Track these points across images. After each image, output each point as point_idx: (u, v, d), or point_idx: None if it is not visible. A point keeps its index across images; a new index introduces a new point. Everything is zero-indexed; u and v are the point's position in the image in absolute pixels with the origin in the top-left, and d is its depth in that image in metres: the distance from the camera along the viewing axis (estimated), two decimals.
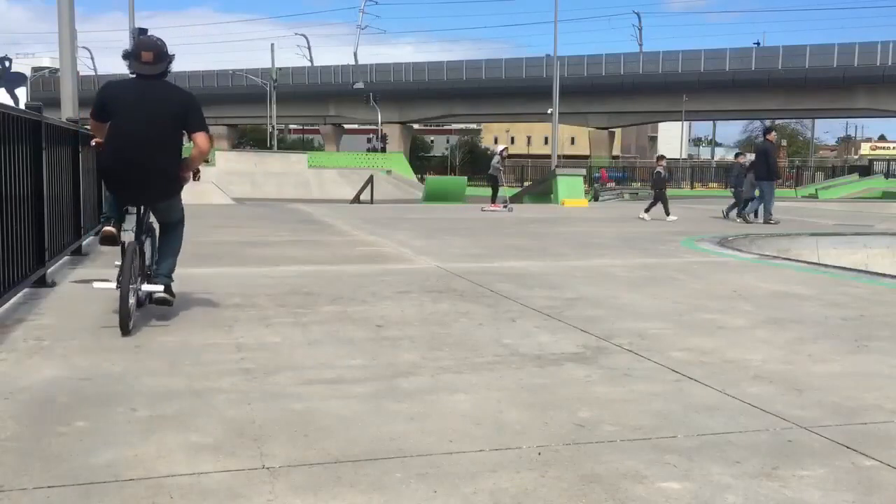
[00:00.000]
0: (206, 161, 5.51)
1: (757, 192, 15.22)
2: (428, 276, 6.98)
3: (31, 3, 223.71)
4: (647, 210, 15.39)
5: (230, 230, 11.43)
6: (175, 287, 5.15)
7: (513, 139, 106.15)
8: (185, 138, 5.16)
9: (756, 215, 15.36)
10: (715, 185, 63.35)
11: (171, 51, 5.04)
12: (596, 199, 33.37)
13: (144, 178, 4.90)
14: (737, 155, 19.79)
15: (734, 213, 15.94)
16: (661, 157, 17.70)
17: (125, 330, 4.44)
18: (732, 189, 16.72)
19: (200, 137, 5.09)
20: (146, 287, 4.87)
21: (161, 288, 4.88)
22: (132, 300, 4.63)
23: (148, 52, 4.87)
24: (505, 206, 17.96)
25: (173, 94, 5.05)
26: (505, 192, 20.29)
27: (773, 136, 15.95)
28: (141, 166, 4.84)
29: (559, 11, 53.59)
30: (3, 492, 2.37)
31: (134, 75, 4.94)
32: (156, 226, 5.28)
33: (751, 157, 17.96)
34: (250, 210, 17.33)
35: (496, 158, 20.18)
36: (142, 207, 5.05)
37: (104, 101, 4.88)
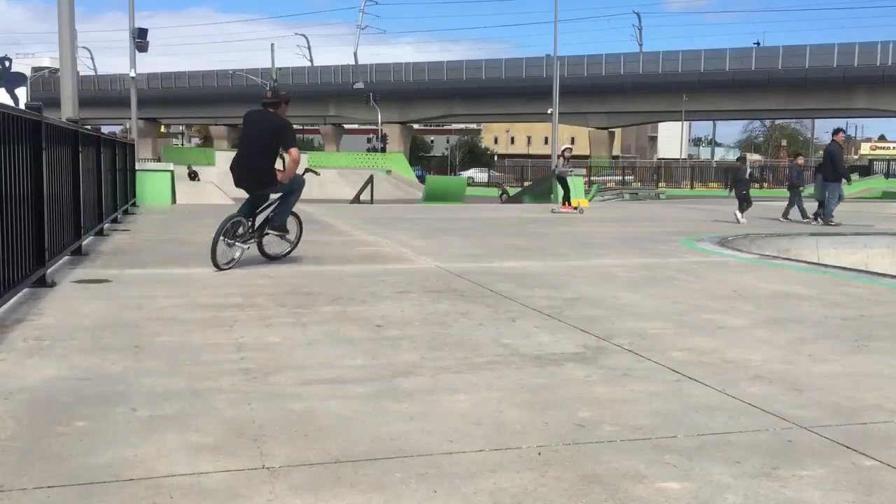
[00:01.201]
0: (314, 170, 8.72)
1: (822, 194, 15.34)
2: (428, 276, 6.98)
3: (31, 3, 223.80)
4: (739, 210, 15.37)
5: None
6: (175, 286, 5.58)
7: (513, 139, 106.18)
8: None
9: (812, 215, 15.54)
10: (715, 184, 63.33)
11: (284, 92, 7.79)
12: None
13: (248, 174, 7.44)
14: (796, 155, 19.81)
15: (792, 213, 16.02)
16: (744, 158, 17.69)
17: (216, 266, 7.00)
18: (790, 189, 16.75)
19: (293, 151, 7.41)
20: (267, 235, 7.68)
21: (275, 231, 7.66)
22: (221, 247, 7.14)
23: (268, 91, 7.84)
24: (576, 209, 17.73)
25: (274, 120, 7.45)
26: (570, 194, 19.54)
27: (840, 136, 15.58)
28: (247, 167, 7.41)
29: (559, 11, 53.62)
30: (3, 492, 2.37)
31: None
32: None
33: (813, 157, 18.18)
34: None
35: (560, 161, 19.52)
36: (254, 195, 7.58)
37: (243, 120, 7.75)
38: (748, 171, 16.68)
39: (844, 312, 5.55)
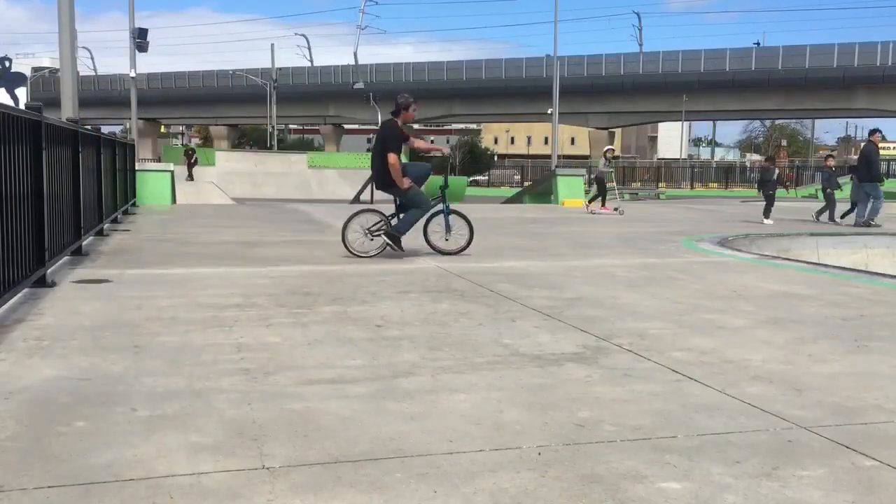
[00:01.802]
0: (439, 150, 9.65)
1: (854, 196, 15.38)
2: (428, 276, 6.98)
3: (31, 3, 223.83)
4: (765, 214, 15.40)
5: (230, 230, 11.44)
6: (175, 286, 5.61)
7: (513, 139, 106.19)
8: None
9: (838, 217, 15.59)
10: (715, 184, 63.35)
11: (402, 100, 8.26)
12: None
13: (373, 175, 8.42)
14: (827, 157, 19.78)
15: (825, 216, 16.02)
16: (771, 159, 17.68)
17: (347, 249, 8.12)
18: (824, 192, 16.75)
19: (388, 156, 8.03)
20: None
21: (389, 237, 8.17)
22: (350, 236, 8.17)
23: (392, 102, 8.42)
24: (616, 209, 17.67)
25: (385, 128, 8.23)
26: (615, 194, 19.30)
27: (876, 137, 15.29)
28: (373, 169, 8.37)
29: (559, 11, 53.60)
30: (3, 492, 2.37)
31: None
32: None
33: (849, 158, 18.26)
34: (250, 210, 17.33)
35: (602, 161, 19.31)
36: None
37: None
38: (776, 171, 16.66)
39: (844, 312, 5.55)
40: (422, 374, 3.75)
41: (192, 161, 34.68)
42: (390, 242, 8.13)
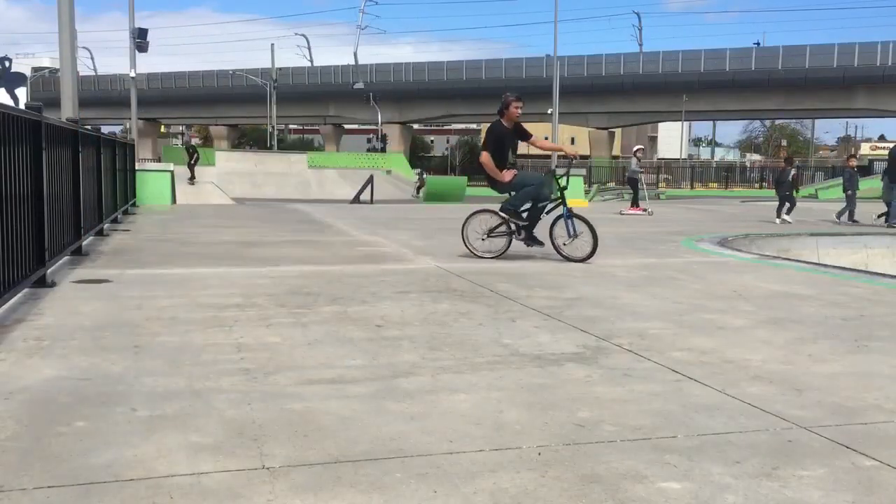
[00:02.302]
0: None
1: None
2: (428, 276, 6.98)
3: (31, 3, 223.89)
4: (787, 213, 15.46)
5: (230, 230, 11.44)
6: (175, 287, 5.61)
7: None
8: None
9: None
10: (714, 184, 63.33)
11: (504, 99, 8.19)
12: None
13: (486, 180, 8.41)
14: (848, 157, 19.83)
15: (845, 216, 16.06)
16: (789, 160, 17.75)
17: (468, 248, 8.35)
18: (845, 192, 16.82)
19: (481, 156, 8.15)
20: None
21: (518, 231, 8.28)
22: (470, 236, 8.37)
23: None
24: (645, 211, 17.67)
25: (488, 127, 8.45)
26: (645, 194, 19.10)
27: None
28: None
29: (559, 11, 53.61)
30: (3, 492, 2.37)
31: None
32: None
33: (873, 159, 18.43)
34: (250, 210, 17.33)
35: (634, 161, 19.25)
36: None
37: None
38: (792, 172, 16.70)
39: (844, 312, 5.55)
40: (422, 374, 3.75)
41: (194, 160, 33.07)
42: (529, 241, 8.16)
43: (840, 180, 18.57)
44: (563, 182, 8.28)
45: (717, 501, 2.40)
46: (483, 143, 8.23)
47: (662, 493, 2.45)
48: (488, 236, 8.25)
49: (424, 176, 42.25)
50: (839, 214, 16.29)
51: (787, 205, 15.92)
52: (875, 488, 2.52)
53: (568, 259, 8.00)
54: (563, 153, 8.61)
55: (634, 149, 19.47)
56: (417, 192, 42.24)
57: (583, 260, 7.94)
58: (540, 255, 8.78)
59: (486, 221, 8.35)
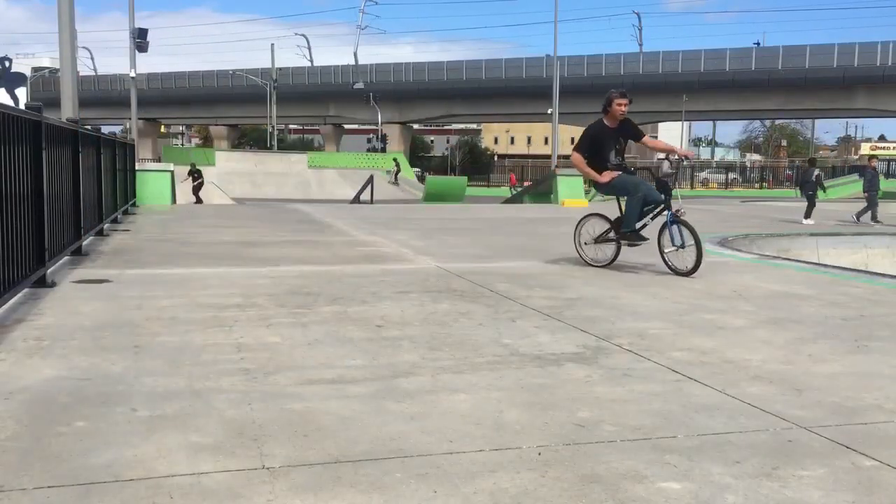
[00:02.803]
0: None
1: None
2: (428, 276, 6.98)
3: (30, 3, 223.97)
4: (805, 216, 15.59)
5: (230, 230, 11.44)
6: (175, 287, 5.62)
7: (513, 139, 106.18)
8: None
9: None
10: (714, 185, 63.35)
11: (607, 97, 7.57)
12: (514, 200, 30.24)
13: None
14: (870, 158, 19.88)
15: (867, 217, 16.10)
16: (814, 161, 17.81)
17: (581, 256, 7.95)
18: (866, 193, 16.87)
19: (573, 156, 7.75)
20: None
21: (624, 238, 7.61)
22: (583, 243, 7.93)
23: None
24: (677, 211, 17.70)
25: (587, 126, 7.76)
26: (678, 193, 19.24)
27: None
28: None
29: (559, 11, 53.62)
30: (3, 492, 2.37)
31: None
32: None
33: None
34: (250, 210, 17.33)
35: (665, 164, 19.14)
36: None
37: None
38: (815, 172, 16.72)
39: (844, 312, 5.55)
40: (422, 374, 3.75)
41: (198, 184, 29.74)
42: (629, 242, 7.58)
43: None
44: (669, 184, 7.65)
45: (717, 501, 2.40)
46: (576, 143, 7.72)
47: (662, 493, 2.45)
48: (595, 242, 7.77)
49: (398, 165, 46.64)
50: (859, 215, 16.31)
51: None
52: (875, 488, 2.52)
53: (675, 272, 7.25)
54: (675, 154, 7.96)
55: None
56: (395, 179, 44.33)
57: (687, 273, 7.12)
58: (540, 255, 8.76)
59: (596, 226, 7.86)
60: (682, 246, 7.30)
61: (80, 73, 45.70)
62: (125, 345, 4.22)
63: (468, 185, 31.70)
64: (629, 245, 7.62)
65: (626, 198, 7.60)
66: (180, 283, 6.32)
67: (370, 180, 28.41)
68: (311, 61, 75.09)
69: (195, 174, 30.00)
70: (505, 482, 2.51)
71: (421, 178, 50.03)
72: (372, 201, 26.45)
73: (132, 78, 27.36)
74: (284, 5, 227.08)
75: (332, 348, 4.24)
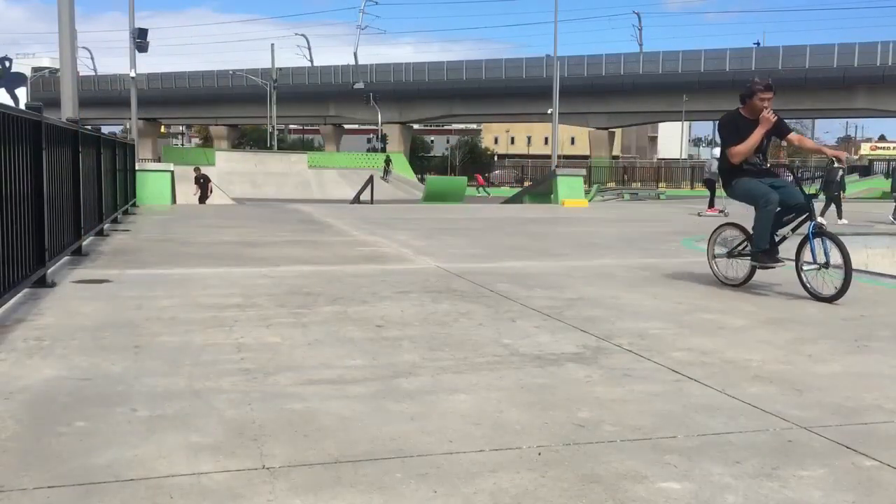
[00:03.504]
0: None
1: None
2: (428, 276, 6.98)
3: (31, 3, 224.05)
4: (822, 214, 15.62)
5: (230, 230, 11.44)
6: (175, 286, 5.44)
7: (513, 139, 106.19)
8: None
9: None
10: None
11: (749, 84, 6.51)
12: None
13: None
14: None
15: None
16: (840, 160, 17.89)
17: (714, 273, 6.83)
18: (894, 193, 17.01)
19: (728, 152, 6.48)
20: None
21: (754, 259, 6.40)
22: (716, 266, 6.86)
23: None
24: (722, 212, 17.70)
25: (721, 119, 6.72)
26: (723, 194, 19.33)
27: None
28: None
29: (559, 11, 53.63)
30: (3, 492, 2.37)
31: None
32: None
33: None
34: (250, 210, 17.32)
35: (714, 164, 19.23)
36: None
37: None
38: (840, 173, 16.77)
39: (845, 312, 5.55)
40: (422, 375, 3.75)
41: (202, 193, 27.49)
42: (759, 265, 6.36)
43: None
44: (813, 189, 6.51)
45: (717, 501, 2.40)
46: (722, 141, 6.59)
47: (662, 493, 2.45)
48: (728, 256, 6.71)
49: (392, 162, 48.01)
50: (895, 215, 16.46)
51: (830, 204, 16.08)
52: (875, 488, 2.52)
53: (813, 295, 6.05)
54: (826, 155, 6.86)
55: (718, 151, 19.62)
56: (384, 175, 45.39)
57: (831, 299, 5.88)
58: (540, 255, 8.76)
59: (731, 236, 6.81)
60: (826, 265, 6.05)
61: (80, 73, 45.71)
62: (125, 345, 4.22)
63: (468, 185, 31.71)
64: (761, 268, 6.41)
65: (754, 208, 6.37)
66: (180, 284, 6.32)
67: (370, 180, 28.42)
68: (311, 61, 75.14)
69: (202, 180, 28.10)
70: (505, 482, 2.51)
71: (422, 181, 50.23)
72: (372, 201, 26.45)
73: (132, 78, 27.35)
74: (284, 5, 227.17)
75: (332, 348, 4.24)
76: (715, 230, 7.04)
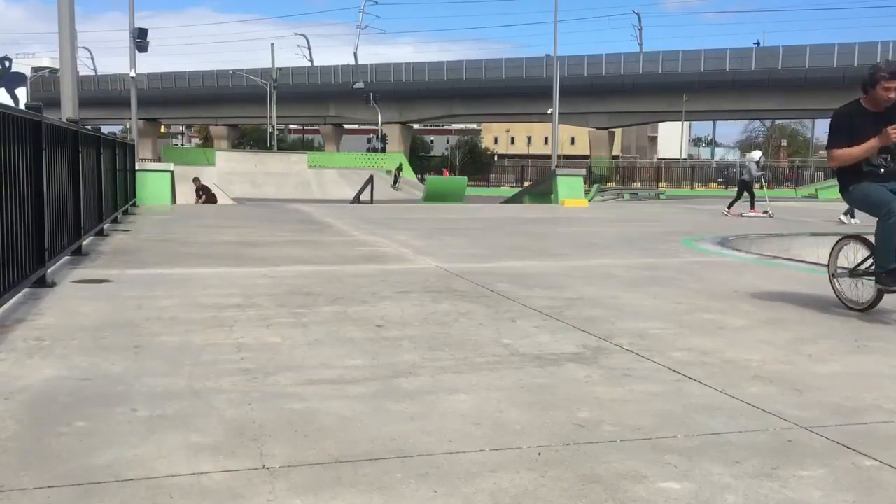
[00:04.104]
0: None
1: None
2: (428, 276, 6.98)
3: (31, 3, 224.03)
4: (847, 213, 15.68)
5: (230, 230, 11.44)
6: (175, 286, 5.37)
7: (513, 139, 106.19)
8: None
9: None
10: (714, 184, 63.35)
11: (871, 71, 5.64)
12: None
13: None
14: None
15: None
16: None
17: (836, 294, 5.74)
18: None
19: (830, 154, 5.63)
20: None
21: (879, 281, 5.30)
22: (838, 286, 5.75)
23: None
24: (766, 213, 17.69)
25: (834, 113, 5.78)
26: (765, 193, 19.32)
27: None
28: None
29: (559, 11, 53.63)
30: (3, 492, 2.37)
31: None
32: None
33: None
34: (250, 210, 17.33)
35: (754, 167, 19.19)
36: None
37: None
38: None
39: (845, 312, 5.55)
40: (422, 375, 3.75)
41: (211, 198, 26.33)
42: (883, 287, 5.26)
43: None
44: None
45: (717, 501, 2.40)
46: (829, 138, 5.67)
47: (662, 493, 2.45)
48: (851, 275, 5.61)
49: (402, 170, 48.05)
50: None
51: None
52: (875, 488, 2.52)
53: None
54: None
55: (759, 156, 19.51)
56: (394, 183, 45.58)
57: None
58: (540, 255, 8.76)
59: (855, 252, 5.70)
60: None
61: (80, 73, 45.69)
62: (125, 345, 4.22)
63: (468, 185, 31.72)
64: (886, 291, 5.30)
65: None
66: (180, 284, 6.32)
67: (370, 180, 28.42)
68: (311, 61, 75.16)
69: (200, 191, 26.71)
70: (505, 482, 2.51)
71: (422, 180, 50.33)
72: (372, 201, 26.45)
73: (132, 78, 27.36)
74: (284, 5, 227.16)
75: (332, 348, 4.24)
76: (837, 242, 5.97)
